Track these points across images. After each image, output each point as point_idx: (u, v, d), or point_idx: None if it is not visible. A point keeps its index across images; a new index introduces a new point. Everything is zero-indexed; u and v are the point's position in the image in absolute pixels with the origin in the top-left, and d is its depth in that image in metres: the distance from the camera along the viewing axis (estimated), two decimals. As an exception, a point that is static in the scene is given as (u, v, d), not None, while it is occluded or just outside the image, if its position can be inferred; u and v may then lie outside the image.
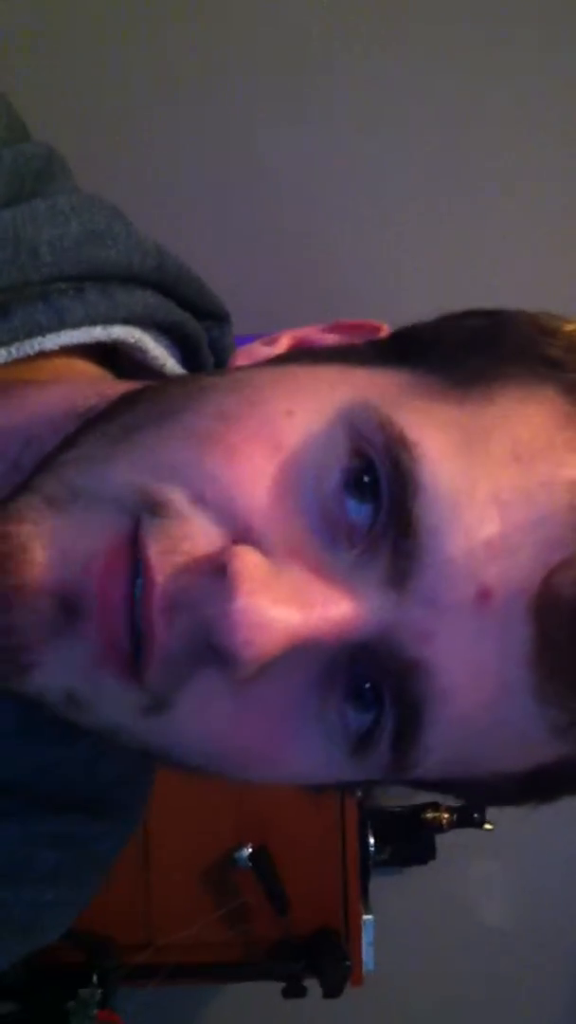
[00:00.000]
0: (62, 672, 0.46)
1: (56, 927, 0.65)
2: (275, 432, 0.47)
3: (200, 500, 0.45)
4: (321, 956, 1.85)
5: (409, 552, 0.44)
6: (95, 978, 1.77)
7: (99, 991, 1.76)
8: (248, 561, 0.43)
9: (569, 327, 0.51)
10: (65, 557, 0.45)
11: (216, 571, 0.43)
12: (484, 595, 0.44)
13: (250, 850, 1.85)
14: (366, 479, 0.45)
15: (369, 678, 0.46)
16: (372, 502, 0.45)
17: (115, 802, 0.64)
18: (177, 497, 0.45)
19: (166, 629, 0.44)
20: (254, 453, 0.46)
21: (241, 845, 1.86)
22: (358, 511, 0.46)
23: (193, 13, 2.06)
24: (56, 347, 0.57)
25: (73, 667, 0.46)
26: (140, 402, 0.51)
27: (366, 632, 0.45)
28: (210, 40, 2.07)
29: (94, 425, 0.50)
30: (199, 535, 0.45)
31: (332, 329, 0.57)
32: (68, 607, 0.45)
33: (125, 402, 0.51)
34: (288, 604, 0.43)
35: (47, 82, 1.99)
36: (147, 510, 0.45)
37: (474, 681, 0.44)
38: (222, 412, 0.48)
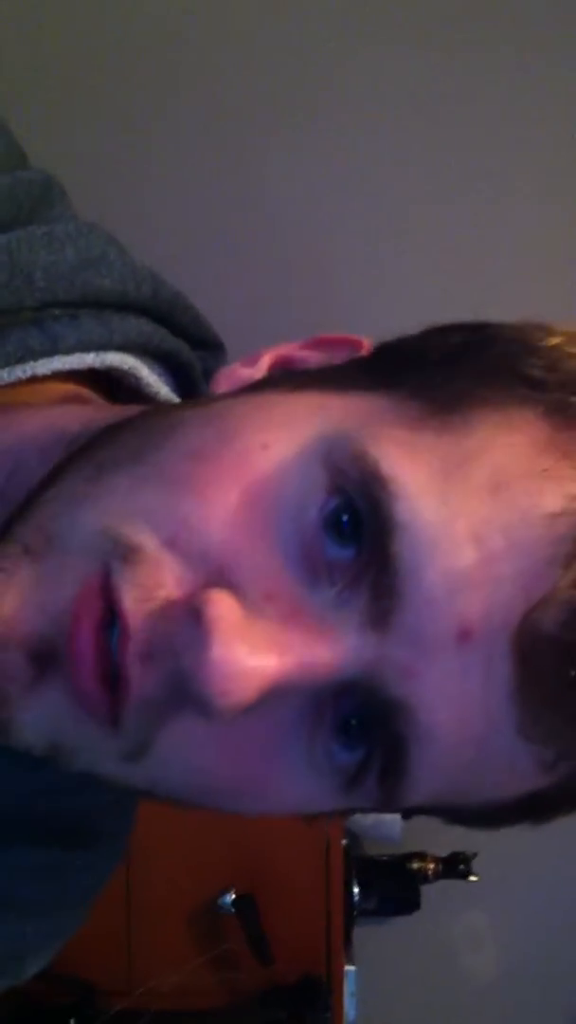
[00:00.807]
0: (42, 725, 0.46)
1: (35, 962, 0.64)
2: (250, 468, 0.46)
3: (172, 544, 0.45)
4: (304, 1005, 1.82)
5: (389, 591, 0.43)
6: (73, 1022, 1.74)
7: (76, 1036, 1.73)
8: (223, 607, 0.42)
9: (554, 340, 0.50)
10: (37, 608, 0.45)
11: (191, 617, 0.43)
12: (466, 633, 0.43)
13: (234, 896, 1.83)
14: (345, 518, 0.45)
15: (355, 714, 0.46)
16: (353, 540, 0.45)
17: (99, 832, 0.64)
18: (148, 541, 0.45)
19: (142, 677, 0.43)
20: (228, 492, 0.45)
21: (225, 890, 1.84)
22: (338, 549, 0.45)
23: (194, 34, 2.08)
24: (48, 372, 0.57)
25: (52, 719, 0.46)
26: (116, 438, 0.50)
27: (346, 673, 0.44)
28: (210, 59, 2.09)
29: (72, 462, 0.50)
30: (172, 580, 0.44)
31: (312, 345, 0.57)
32: (41, 659, 0.45)
33: (103, 437, 0.51)
34: (265, 651, 0.43)
35: (47, 108, 2.00)
36: (118, 557, 0.44)
37: (459, 718, 0.44)
38: (195, 450, 0.47)
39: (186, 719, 0.44)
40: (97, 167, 2.00)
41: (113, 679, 0.44)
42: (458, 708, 0.44)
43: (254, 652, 0.42)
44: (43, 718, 0.46)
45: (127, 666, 0.43)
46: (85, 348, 0.58)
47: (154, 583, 0.44)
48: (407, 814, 0.51)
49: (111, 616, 0.44)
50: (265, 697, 0.43)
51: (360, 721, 0.46)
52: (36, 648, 0.44)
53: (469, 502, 0.44)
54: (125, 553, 0.44)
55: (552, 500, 0.44)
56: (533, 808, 0.50)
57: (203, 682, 0.41)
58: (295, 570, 0.45)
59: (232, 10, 2.09)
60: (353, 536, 0.44)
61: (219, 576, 0.44)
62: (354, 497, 0.44)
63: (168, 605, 0.43)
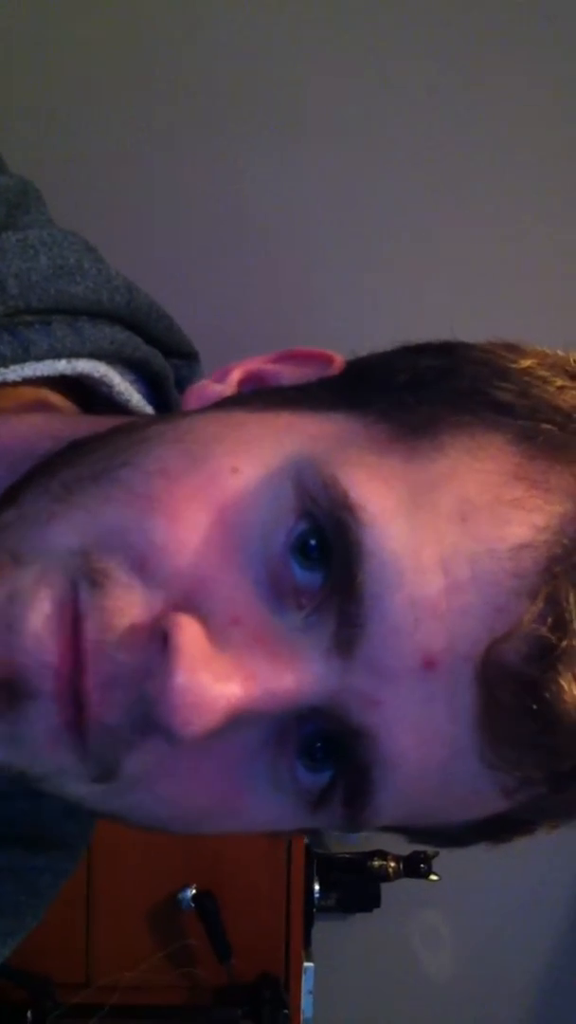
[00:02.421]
0: (10, 753, 0.46)
1: None
2: (218, 491, 0.45)
3: (140, 567, 0.44)
4: (262, 1003, 1.83)
5: (354, 619, 0.43)
6: (30, 1015, 1.74)
7: (32, 1030, 1.73)
8: (187, 633, 0.42)
9: (525, 363, 0.50)
10: (2, 632, 0.44)
11: (155, 642, 0.42)
12: (430, 662, 0.43)
13: (194, 891, 1.83)
14: (312, 543, 0.44)
15: (319, 737, 0.46)
16: (321, 565, 0.44)
17: (58, 836, 0.64)
18: (116, 565, 0.44)
19: (105, 704, 0.43)
20: (196, 515, 0.45)
21: (185, 886, 1.84)
22: (306, 574, 0.45)
23: (183, 46, 2.08)
24: (19, 379, 0.56)
25: (20, 747, 0.45)
26: (84, 454, 0.49)
27: (311, 700, 0.44)
28: (197, 73, 2.08)
29: (37, 479, 0.49)
30: (139, 604, 0.44)
31: (283, 359, 0.56)
32: (12, 689, 0.44)
33: (70, 453, 0.50)
34: (229, 679, 0.42)
35: (37, 120, 2.00)
36: (85, 579, 0.44)
37: (422, 746, 0.44)
38: (164, 469, 0.46)
39: (153, 743, 0.44)
40: (82, 172, 2.00)
41: (77, 704, 0.43)
42: (422, 736, 0.44)
43: (218, 680, 0.42)
44: (10, 748, 0.45)
45: (88, 693, 0.43)
46: (57, 355, 0.57)
47: (119, 609, 0.43)
48: (372, 830, 0.51)
49: (76, 640, 0.43)
50: (230, 723, 0.42)
51: (324, 744, 0.46)
52: (7, 677, 0.44)
53: (436, 530, 0.43)
54: (92, 577, 0.44)
55: (518, 531, 0.44)
56: (493, 830, 0.51)
57: (167, 709, 0.41)
58: (262, 594, 0.45)
59: (224, 16, 2.08)
60: (321, 561, 0.44)
61: (186, 600, 0.44)
62: (322, 522, 0.44)
63: (133, 629, 0.43)
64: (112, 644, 0.43)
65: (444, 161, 2.12)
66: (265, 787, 0.47)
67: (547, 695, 0.42)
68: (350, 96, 2.10)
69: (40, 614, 0.44)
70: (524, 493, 0.45)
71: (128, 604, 0.44)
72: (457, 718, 0.43)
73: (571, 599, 0.43)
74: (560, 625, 0.42)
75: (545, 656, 0.42)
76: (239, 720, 0.43)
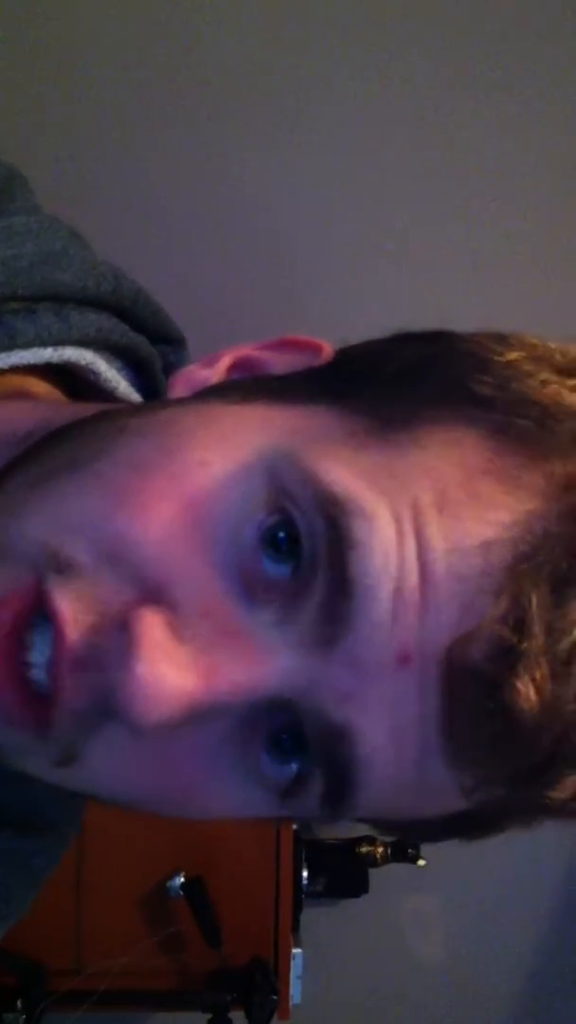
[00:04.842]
0: None
1: None
2: (189, 484, 0.45)
3: (108, 558, 0.44)
4: (251, 988, 1.84)
5: (341, 614, 0.43)
6: (20, 1002, 1.74)
7: (23, 1017, 1.73)
8: (149, 625, 0.42)
9: (511, 355, 0.49)
10: None
11: (120, 632, 0.43)
12: (405, 657, 0.43)
13: (183, 879, 1.84)
14: (281, 535, 0.44)
15: (287, 730, 0.45)
16: (291, 559, 0.44)
17: (49, 819, 0.64)
18: (85, 555, 0.44)
19: (73, 687, 0.43)
20: (166, 508, 0.45)
21: (175, 873, 1.84)
22: (276, 568, 0.45)
23: (181, 36, 2.07)
24: (5, 367, 0.56)
25: None
26: (63, 443, 0.50)
27: (278, 693, 0.44)
28: (195, 62, 2.08)
29: (19, 466, 0.49)
30: (108, 593, 0.44)
31: (273, 346, 0.56)
32: None
33: (51, 441, 0.50)
34: (189, 670, 0.42)
35: (34, 109, 2.00)
36: (52, 569, 0.44)
37: (397, 742, 0.44)
38: (135, 461, 0.46)
39: (115, 729, 0.44)
40: (76, 160, 2.00)
41: (32, 688, 0.44)
42: (396, 733, 0.44)
43: (178, 671, 0.42)
44: None
45: (60, 676, 0.43)
46: (43, 343, 0.57)
47: (90, 595, 0.44)
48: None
49: (30, 625, 0.44)
50: (191, 714, 0.43)
51: (291, 737, 0.46)
52: None
53: (415, 524, 0.43)
54: (60, 566, 0.44)
55: (487, 528, 0.43)
56: (461, 828, 0.51)
57: (126, 699, 0.42)
58: (231, 588, 0.45)
59: (223, 11, 2.08)
60: (290, 554, 0.44)
61: (156, 592, 0.44)
62: (297, 517, 0.44)
63: (101, 618, 0.43)
64: (82, 627, 0.43)
65: (441, 148, 2.12)
66: (232, 776, 0.47)
67: (505, 696, 0.42)
68: (346, 85, 2.10)
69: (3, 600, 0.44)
70: (491, 488, 0.44)
71: (97, 592, 0.44)
72: (428, 717, 0.43)
73: (534, 600, 0.42)
74: (521, 626, 0.42)
75: (505, 657, 0.42)
76: (201, 711, 0.43)
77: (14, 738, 0.46)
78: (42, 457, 0.49)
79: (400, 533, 0.43)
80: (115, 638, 0.43)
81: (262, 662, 0.43)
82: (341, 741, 0.44)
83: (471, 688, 0.42)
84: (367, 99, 2.11)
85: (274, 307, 2.05)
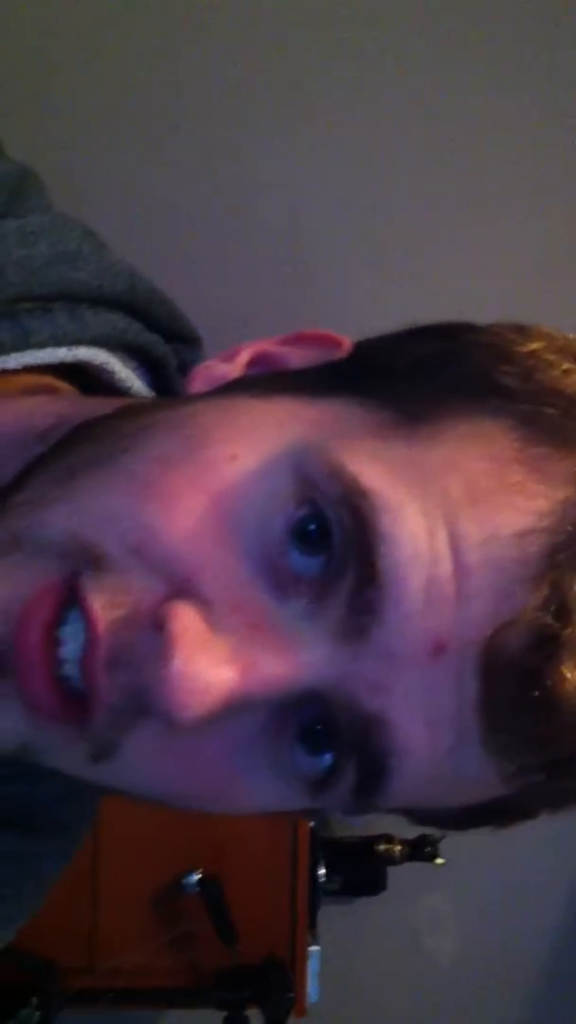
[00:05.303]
0: (7, 727, 0.46)
1: None
2: (217, 478, 0.45)
3: (139, 551, 0.44)
4: (267, 986, 1.84)
5: (369, 606, 0.43)
6: (35, 1000, 1.74)
7: (37, 1013, 1.73)
8: (184, 620, 0.42)
9: (531, 346, 0.49)
10: None
11: (155, 627, 0.43)
12: (439, 647, 0.43)
13: (199, 876, 1.84)
14: (312, 527, 0.44)
15: (320, 721, 0.46)
16: (322, 552, 0.44)
17: (58, 821, 0.64)
18: (115, 549, 0.44)
19: (109, 684, 0.43)
20: (195, 502, 0.45)
21: (191, 870, 1.84)
22: (305, 561, 0.45)
23: (189, 31, 2.07)
24: (20, 366, 0.56)
25: (15, 722, 0.45)
26: (88, 438, 0.50)
27: (310, 685, 0.44)
28: (200, 57, 2.08)
29: (44, 462, 0.49)
30: (139, 588, 0.44)
31: (291, 341, 0.56)
32: None
33: (76, 436, 0.50)
34: (226, 664, 0.42)
35: (43, 103, 2.00)
36: (85, 562, 0.44)
37: (432, 732, 0.44)
38: (163, 456, 0.47)
39: (152, 724, 0.44)
40: (85, 156, 2.00)
41: (64, 683, 0.44)
42: (431, 723, 0.44)
43: (215, 665, 0.42)
44: (7, 722, 0.46)
45: (94, 674, 0.43)
46: (57, 342, 0.57)
47: (121, 589, 0.44)
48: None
49: (63, 618, 0.44)
50: (227, 709, 0.43)
51: (325, 727, 0.45)
52: None
53: (446, 515, 0.43)
54: (93, 559, 0.44)
55: (522, 518, 0.43)
56: (494, 815, 0.51)
57: (163, 695, 0.42)
58: (261, 581, 0.45)
59: (227, 9, 2.08)
60: (321, 546, 0.44)
61: (186, 586, 0.44)
62: (327, 510, 0.44)
63: (134, 614, 0.43)
64: (114, 624, 0.43)
65: (453, 140, 2.12)
66: (265, 770, 0.47)
67: (548, 683, 0.42)
68: (354, 80, 2.09)
69: (31, 589, 0.44)
70: (524, 478, 0.44)
71: (128, 587, 0.44)
72: (464, 706, 0.43)
73: (574, 587, 0.43)
74: (563, 613, 0.42)
75: (547, 644, 0.42)
76: (237, 705, 0.43)
77: (50, 735, 0.46)
78: (67, 454, 0.49)
79: (430, 525, 0.43)
80: (149, 634, 0.43)
81: (295, 655, 0.44)
82: (375, 732, 0.44)
83: (512, 676, 0.42)
84: (377, 90, 2.11)
85: (286, 305, 2.05)
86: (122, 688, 0.43)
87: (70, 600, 0.44)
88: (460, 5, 2.11)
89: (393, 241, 2.13)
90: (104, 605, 0.43)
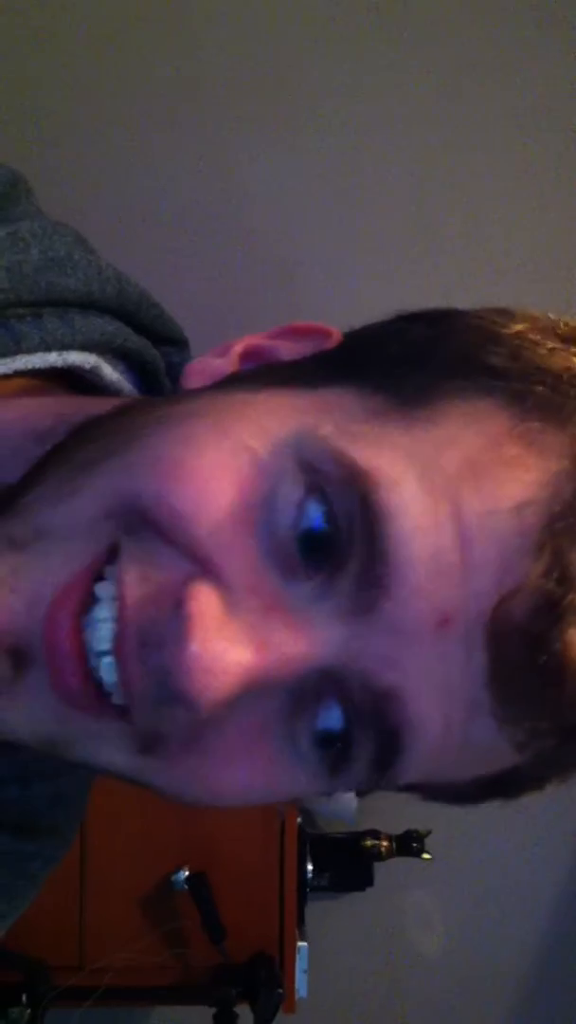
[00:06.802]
0: (32, 721, 0.47)
1: None
2: (235, 466, 0.46)
3: (163, 533, 0.46)
4: (256, 982, 1.84)
5: (376, 580, 0.44)
6: (25, 998, 1.74)
7: (28, 1012, 1.73)
8: (203, 601, 0.44)
9: (516, 327, 0.51)
10: (18, 600, 0.46)
11: (176, 607, 0.44)
12: (445, 620, 0.44)
13: (187, 873, 1.84)
14: (318, 511, 0.45)
15: (335, 696, 0.47)
16: (329, 533, 0.45)
17: (48, 823, 0.64)
18: (146, 523, 0.46)
19: (139, 670, 0.44)
20: (214, 487, 0.46)
21: (178, 868, 1.84)
22: (314, 543, 0.46)
23: (181, 37, 2.07)
24: (10, 371, 0.57)
25: (42, 715, 0.46)
26: (101, 432, 0.51)
27: (324, 663, 0.45)
28: (192, 60, 2.08)
29: (55, 460, 0.50)
30: (166, 564, 0.45)
31: (282, 334, 0.57)
32: (19, 656, 0.45)
33: (84, 432, 0.51)
34: (244, 644, 0.44)
35: (35, 107, 1.99)
36: (124, 531, 0.46)
37: (444, 704, 0.45)
38: (190, 440, 0.48)
39: (179, 723, 0.45)
40: (76, 161, 2.00)
41: (93, 673, 0.45)
42: (443, 694, 0.45)
43: (233, 646, 0.43)
44: (32, 716, 0.47)
45: (127, 660, 0.44)
46: (48, 348, 0.58)
47: (151, 563, 0.45)
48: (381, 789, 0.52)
49: (89, 604, 0.45)
50: (247, 691, 0.44)
51: (340, 705, 0.47)
52: (14, 644, 0.45)
53: (447, 491, 0.44)
54: (130, 528, 0.46)
55: (520, 489, 0.45)
56: (505, 785, 0.52)
57: (182, 677, 0.42)
58: (273, 564, 0.46)
59: (226, 9, 2.08)
60: (328, 528, 0.45)
61: (206, 565, 0.45)
62: (331, 495, 0.45)
63: (159, 591, 0.45)
64: (144, 599, 0.45)
65: (439, 134, 2.12)
66: (285, 753, 0.48)
67: (555, 647, 0.44)
68: (343, 78, 2.10)
69: (61, 577, 0.46)
70: (520, 452, 0.46)
71: (156, 561, 0.45)
72: (473, 677, 0.45)
73: (574, 555, 0.44)
74: (565, 580, 0.44)
75: (551, 610, 0.44)
76: (255, 688, 0.44)
77: (88, 726, 0.47)
78: (79, 449, 0.50)
79: (432, 501, 0.44)
80: (170, 613, 0.44)
81: (309, 634, 0.45)
82: (389, 705, 0.45)
83: (519, 644, 0.44)
84: (367, 95, 2.11)
85: (276, 307, 2.05)
86: (151, 673, 0.44)
87: (92, 586, 0.45)
88: (455, 7, 2.11)
89: (382, 244, 2.14)
90: (135, 578, 0.45)
